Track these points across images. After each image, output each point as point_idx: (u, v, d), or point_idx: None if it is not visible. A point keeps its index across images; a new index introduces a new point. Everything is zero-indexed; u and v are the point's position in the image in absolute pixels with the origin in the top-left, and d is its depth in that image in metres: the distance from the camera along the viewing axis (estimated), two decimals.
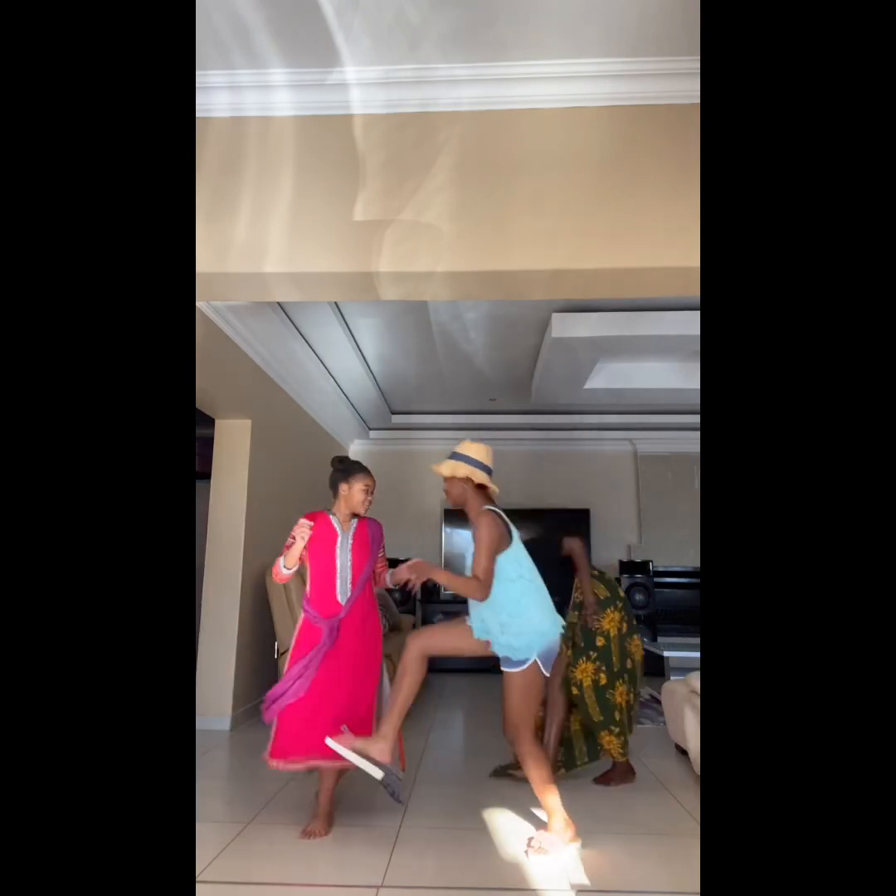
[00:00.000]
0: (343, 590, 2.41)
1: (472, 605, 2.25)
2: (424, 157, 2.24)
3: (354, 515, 2.52)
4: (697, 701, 2.83)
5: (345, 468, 2.53)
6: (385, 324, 4.51)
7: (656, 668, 5.92)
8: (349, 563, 2.44)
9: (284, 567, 2.41)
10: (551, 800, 2.16)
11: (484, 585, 2.14)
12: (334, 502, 2.54)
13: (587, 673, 2.82)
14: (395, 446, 7.11)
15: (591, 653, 2.83)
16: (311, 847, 2.14)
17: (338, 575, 2.42)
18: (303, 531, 2.36)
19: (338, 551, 2.45)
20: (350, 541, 2.48)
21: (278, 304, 3.97)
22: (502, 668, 2.18)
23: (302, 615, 2.43)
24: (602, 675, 2.80)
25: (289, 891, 1.85)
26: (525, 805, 2.51)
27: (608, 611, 2.89)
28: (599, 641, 2.84)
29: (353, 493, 2.48)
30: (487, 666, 6.55)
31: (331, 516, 2.50)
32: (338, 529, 2.48)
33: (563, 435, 6.96)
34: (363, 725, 2.33)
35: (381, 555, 2.56)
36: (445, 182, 2.22)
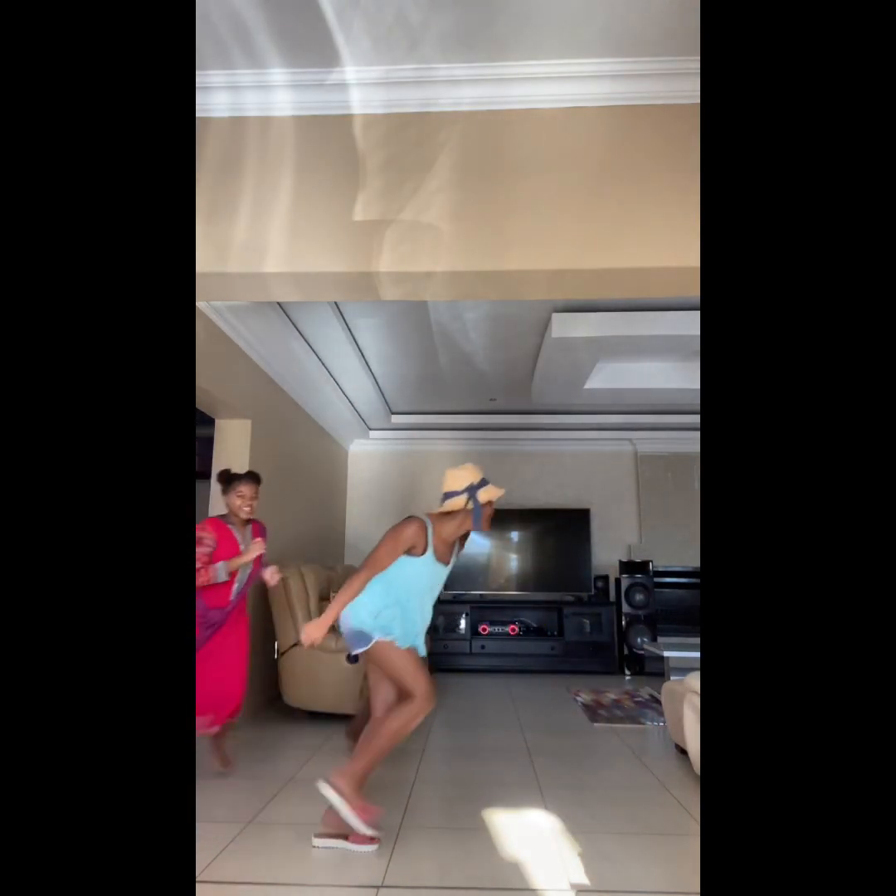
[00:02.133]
0: (238, 587, 2.80)
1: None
2: (424, 157, 2.24)
3: (246, 521, 2.86)
4: (697, 701, 2.83)
5: (226, 479, 2.84)
6: (385, 324, 4.51)
7: (656, 668, 5.92)
8: (250, 565, 2.83)
9: (226, 574, 2.71)
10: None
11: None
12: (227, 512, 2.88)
13: None
14: (395, 446, 7.10)
15: None
16: (311, 847, 2.13)
17: (238, 576, 2.79)
18: (260, 548, 2.79)
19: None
20: (249, 545, 2.83)
21: (278, 304, 3.97)
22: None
23: None
24: None
25: (289, 891, 1.85)
26: (525, 804, 2.51)
27: None
28: None
29: (232, 500, 2.80)
30: (487, 666, 6.53)
31: (229, 524, 2.82)
32: (238, 537, 2.81)
33: (563, 435, 6.95)
34: (230, 702, 2.80)
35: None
36: (445, 182, 2.22)
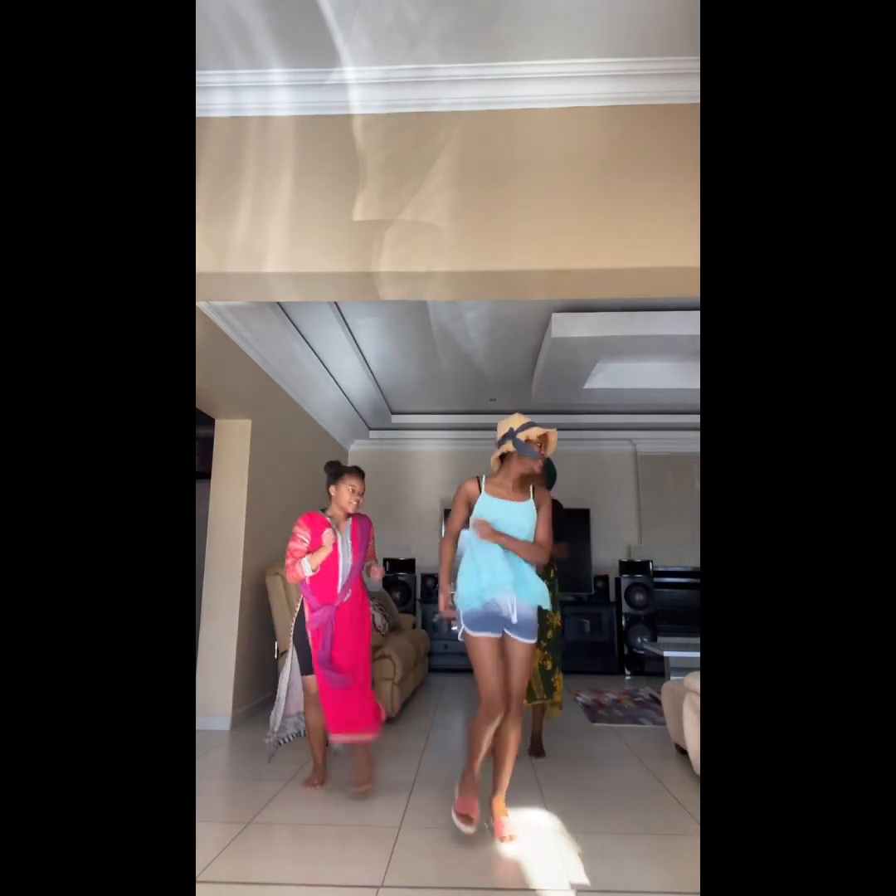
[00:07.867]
0: (343, 582, 2.69)
1: (518, 569, 2.33)
2: (424, 157, 2.24)
3: (348, 514, 2.78)
4: (697, 701, 2.82)
5: (335, 471, 2.78)
6: (385, 324, 4.51)
7: (656, 668, 5.92)
8: (350, 559, 2.73)
9: (311, 570, 2.62)
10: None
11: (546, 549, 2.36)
12: (329, 504, 2.81)
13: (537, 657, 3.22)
14: (395, 446, 7.10)
15: (542, 643, 3.20)
16: (312, 847, 2.13)
17: (340, 570, 2.69)
18: (329, 538, 2.62)
19: (340, 549, 2.70)
20: (348, 539, 2.75)
21: (278, 304, 3.97)
22: (522, 639, 2.27)
23: (301, 604, 2.74)
24: (548, 662, 3.25)
25: (289, 891, 1.85)
26: (525, 804, 2.51)
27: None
28: (548, 633, 3.24)
29: (341, 493, 2.74)
30: None
31: (328, 517, 2.76)
32: (336, 531, 2.73)
33: (563, 435, 6.93)
34: (363, 690, 2.68)
35: (371, 546, 2.86)
36: (445, 182, 2.22)
